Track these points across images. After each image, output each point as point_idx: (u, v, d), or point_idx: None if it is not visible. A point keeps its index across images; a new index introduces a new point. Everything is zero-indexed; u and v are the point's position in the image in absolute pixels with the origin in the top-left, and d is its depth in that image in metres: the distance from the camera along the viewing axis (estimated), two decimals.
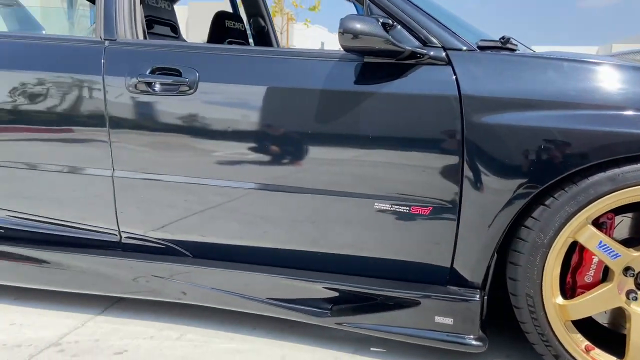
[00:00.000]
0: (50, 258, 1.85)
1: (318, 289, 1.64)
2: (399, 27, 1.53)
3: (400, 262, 1.61)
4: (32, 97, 1.77)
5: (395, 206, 1.54)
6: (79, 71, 1.74)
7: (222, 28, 2.67)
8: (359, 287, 1.61)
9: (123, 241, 1.84)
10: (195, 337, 1.77)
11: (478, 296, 1.52)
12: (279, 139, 1.61)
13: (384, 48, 1.45)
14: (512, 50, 1.67)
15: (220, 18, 2.67)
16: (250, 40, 2.98)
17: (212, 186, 1.70)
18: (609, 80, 1.41)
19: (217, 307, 1.78)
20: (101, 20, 1.78)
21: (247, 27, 2.98)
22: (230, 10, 2.93)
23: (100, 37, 1.77)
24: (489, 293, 1.59)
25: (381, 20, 1.47)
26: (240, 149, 1.65)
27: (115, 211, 1.80)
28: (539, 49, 2.19)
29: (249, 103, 1.63)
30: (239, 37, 2.77)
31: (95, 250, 1.85)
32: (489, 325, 1.62)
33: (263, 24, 2.97)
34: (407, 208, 1.53)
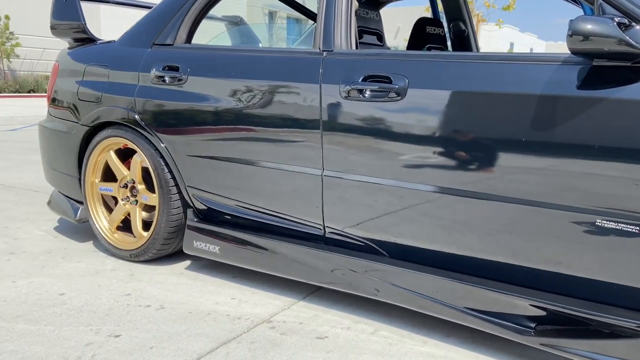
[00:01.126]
0: (266, 245, 2.09)
1: (523, 305, 1.57)
2: (637, 27, 1.37)
3: (621, 287, 1.45)
4: (258, 103, 2.02)
5: (623, 225, 1.39)
6: (300, 80, 1.94)
7: (423, 34, 2.71)
8: (571, 308, 1.49)
9: (327, 235, 2.00)
10: (388, 334, 1.83)
11: None
12: (489, 146, 1.58)
13: (618, 50, 1.32)
14: None
15: (421, 24, 2.71)
16: (449, 45, 2.96)
17: (412, 190, 1.74)
18: None
19: (409, 308, 1.81)
20: (320, 33, 1.95)
21: (447, 31, 2.97)
22: (424, 14, 2.95)
23: (319, 49, 1.94)
24: None
25: (617, 20, 1.34)
26: (444, 154, 1.66)
27: (322, 207, 1.96)
28: None
29: (461, 109, 1.63)
30: (439, 42, 2.78)
31: (301, 241, 2.04)
32: None
33: (464, 28, 2.93)
34: (637, 228, 1.37)
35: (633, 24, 1.38)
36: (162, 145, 2.27)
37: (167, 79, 2.24)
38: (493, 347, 1.73)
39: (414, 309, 1.80)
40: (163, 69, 2.27)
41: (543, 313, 1.54)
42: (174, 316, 1.93)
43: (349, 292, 1.94)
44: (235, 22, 3.42)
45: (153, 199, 2.34)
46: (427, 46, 2.72)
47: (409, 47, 2.71)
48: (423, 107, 1.70)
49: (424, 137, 1.69)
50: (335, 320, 1.93)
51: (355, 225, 1.91)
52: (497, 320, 1.62)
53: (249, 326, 1.87)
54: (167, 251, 2.40)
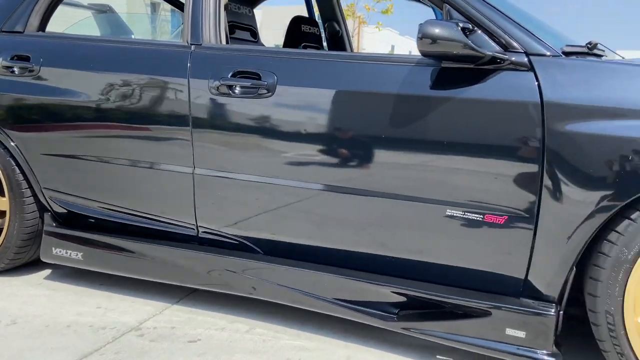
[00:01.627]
0: (135, 248, 1.98)
1: (386, 292, 1.65)
2: (479, 31, 1.50)
3: (471, 271, 1.58)
4: (124, 98, 1.91)
5: (468, 213, 1.52)
6: (167, 74, 1.85)
7: (299, 32, 2.74)
8: (428, 293, 1.60)
9: (200, 235, 1.94)
10: (263, 331, 1.83)
11: (553, 310, 1.46)
12: (352, 142, 1.64)
13: (463, 53, 1.43)
14: (599, 56, 1.59)
15: (296, 22, 2.73)
16: (325, 45, 3.04)
17: (284, 186, 1.75)
18: None
19: (285, 304, 1.83)
20: (188, 26, 1.88)
21: (322, 31, 3.04)
22: (302, 14, 3.00)
23: (187, 42, 1.87)
24: (565, 308, 1.53)
25: (461, 25, 1.46)
26: (313, 151, 1.69)
27: (194, 207, 1.90)
28: (627, 54, 2.07)
29: (325, 106, 1.67)
30: (314, 41, 2.83)
31: (174, 242, 1.96)
32: (563, 342, 1.56)
33: (338, 28, 3.01)
34: (481, 216, 1.50)
35: (475, 28, 1.51)
36: (11, 143, 2.04)
37: (16, 69, 2.02)
38: (362, 335, 1.80)
39: (289, 304, 1.82)
40: (11, 59, 2.04)
41: (404, 299, 1.64)
42: (27, 331, 1.75)
43: (226, 292, 1.91)
44: (102, 10, 3.19)
45: (3, 203, 2.10)
46: (302, 44, 2.76)
47: (285, 45, 2.73)
48: (291, 104, 1.71)
49: (292, 133, 1.71)
50: (209, 322, 1.88)
51: (228, 223, 1.88)
52: (364, 308, 1.68)
53: (114, 336, 1.75)
54: (22, 261, 2.17)
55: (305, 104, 1.69)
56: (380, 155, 1.60)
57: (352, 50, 3.23)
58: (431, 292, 1.60)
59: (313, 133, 1.68)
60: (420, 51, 1.47)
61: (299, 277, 1.78)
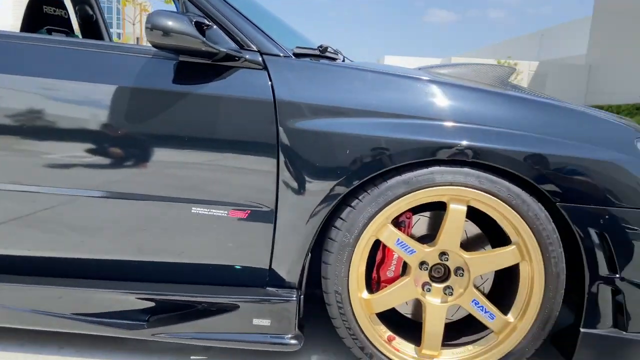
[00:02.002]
0: None
1: (131, 300, 1.55)
2: (215, 27, 1.50)
3: (222, 267, 1.58)
4: None
5: (213, 210, 1.51)
6: None
7: (40, 14, 2.40)
8: (176, 295, 1.55)
9: None
10: None
11: (295, 296, 1.55)
12: (84, 139, 1.48)
13: (196, 48, 1.41)
14: (333, 59, 1.74)
15: (36, 2, 2.39)
16: (77, 30, 2.73)
17: (7, 191, 1.50)
18: (407, 92, 1.53)
19: (15, 327, 1.58)
20: None
21: (75, 15, 2.73)
22: None
23: None
24: (311, 292, 1.64)
25: (195, 19, 1.43)
26: (39, 149, 1.48)
27: None
28: (390, 59, 2.33)
29: (49, 97, 1.48)
30: (61, 25, 2.52)
31: None
32: (309, 322, 1.68)
33: (91, 12, 2.74)
34: (225, 212, 1.51)
35: (212, 24, 1.50)
36: None
37: None
38: (111, 348, 1.67)
39: (19, 327, 1.57)
40: None
41: (152, 304, 1.56)
42: None
43: None
44: None
45: None
46: (46, 28, 2.43)
47: (23, 29, 2.37)
48: (4, 95, 1.47)
49: (6, 128, 1.46)
50: None
51: None
52: (110, 320, 1.55)
53: None
54: None
55: (22, 96, 1.47)
56: (119, 154, 1.48)
57: (110, 37, 2.98)
58: (178, 293, 1.55)
59: (34, 127, 1.47)
60: (151, 43, 1.39)
61: (29, 294, 1.55)
